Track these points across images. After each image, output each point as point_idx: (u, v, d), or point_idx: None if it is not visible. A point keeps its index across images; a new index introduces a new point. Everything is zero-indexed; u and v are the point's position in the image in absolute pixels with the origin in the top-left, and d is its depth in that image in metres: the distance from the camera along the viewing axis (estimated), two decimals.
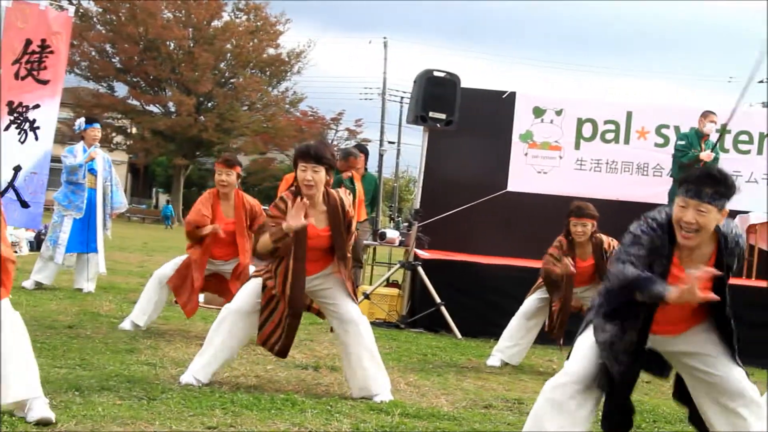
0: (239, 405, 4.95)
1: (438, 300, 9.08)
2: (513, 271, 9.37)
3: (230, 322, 5.51)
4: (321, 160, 5.30)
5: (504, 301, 8.43)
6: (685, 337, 4.06)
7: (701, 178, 3.76)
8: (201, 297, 7.80)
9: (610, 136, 11.78)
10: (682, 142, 10.55)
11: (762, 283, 9.86)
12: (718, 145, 10.71)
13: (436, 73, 9.53)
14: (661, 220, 3.85)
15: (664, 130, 11.71)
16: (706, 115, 10.66)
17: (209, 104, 46.28)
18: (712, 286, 3.79)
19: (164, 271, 7.43)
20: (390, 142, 45.77)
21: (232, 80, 46.96)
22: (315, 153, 5.32)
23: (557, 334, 7.34)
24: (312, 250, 5.40)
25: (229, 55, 46.35)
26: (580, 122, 11.88)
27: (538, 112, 11.88)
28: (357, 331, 5.48)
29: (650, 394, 6.52)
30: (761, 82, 53.02)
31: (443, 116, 9.48)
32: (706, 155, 10.48)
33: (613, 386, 3.94)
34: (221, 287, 7.44)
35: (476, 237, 11.22)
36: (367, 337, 5.50)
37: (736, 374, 3.98)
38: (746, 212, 11.24)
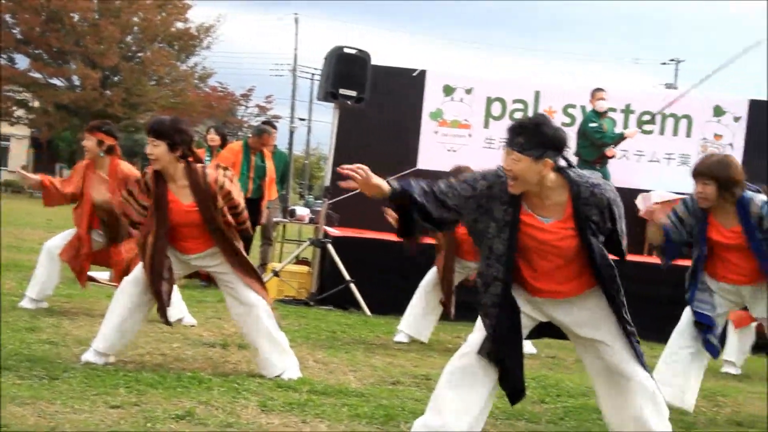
0: (144, 383, 4.88)
1: (348, 277, 9.08)
2: (422, 248, 9.40)
3: (127, 293, 5.43)
4: (160, 134, 5.24)
5: (414, 278, 8.45)
6: (572, 307, 4.07)
7: (515, 128, 3.83)
8: (106, 275, 7.65)
9: (518, 115, 11.88)
10: (595, 124, 10.73)
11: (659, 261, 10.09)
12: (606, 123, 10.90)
13: (346, 50, 9.49)
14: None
15: (570, 110, 11.87)
16: (595, 93, 10.83)
17: (115, 78, 45.27)
18: (579, 243, 3.87)
19: (54, 243, 7.29)
20: (301, 119, 45.62)
21: (139, 54, 45.98)
22: (153, 127, 5.30)
23: (446, 304, 7.41)
24: (184, 227, 5.35)
25: (136, 28, 45.37)
26: (490, 101, 11.97)
27: (449, 91, 11.92)
28: (253, 314, 5.43)
29: (554, 369, 6.64)
30: (664, 63, 54.42)
31: (354, 93, 9.46)
32: (630, 132, 10.68)
33: (493, 349, 3.97)
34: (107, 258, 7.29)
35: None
36: (264, 319, 5.43)
37: (629, 367, 4.02)
38: (648, 191, 11.51)
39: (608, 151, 10.47)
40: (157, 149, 5.24)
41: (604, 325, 4.03)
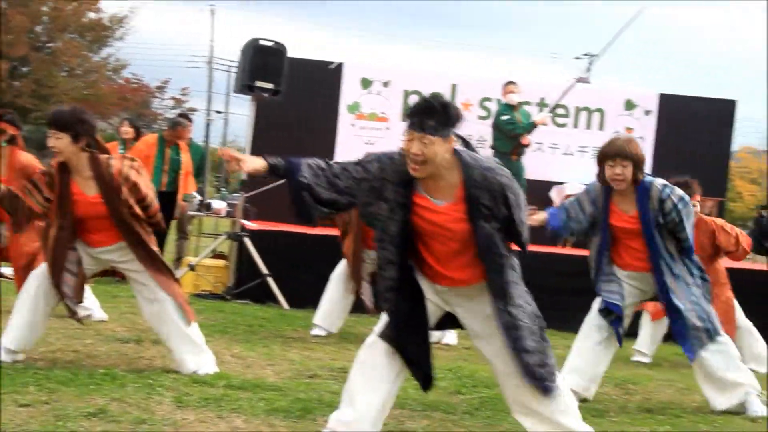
0: (55, 381, 4.78)
1: (265, 271, 9.02)
2: (336, 239, 9.40)
3: (34, 287, 5.32)
4: (61, 126, 5.14)
5: (331, 271, 8.44)
6: (471, 299, 4.07)
7: (423, 110, 3.80)
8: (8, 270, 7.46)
9: None
10: (507, 116, 10.83)
11: (571, 251, 10.27)
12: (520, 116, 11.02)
13: (262, 42, 9.42)
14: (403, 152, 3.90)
15: (487, 103, 12.00)
16: (506, 86, 10.96)
17: (24, 69, 44.19)
18: (470, 227, 3.86)
19: None
20: (218, 112, 45.10)
21: (49, 45, 44.96)
22: (54, 118, 5.21)
23: (358, 295, 7.43)
24: (91, 219, 5.25)
25: (45, 18, 44.34)
26: (407, 94, 12.03)
27: (366, 84, 11.95)
28: (163, 311, 5.36)
29: (470, 360, 6.70)
30: (578, 58, 55.27)
31: (270, 86, 9.39)
32: (541, 118, 10.79)
33: (394, 335, 3.99)
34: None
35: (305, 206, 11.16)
36: (175, 317, 5.36)
37: (515, 380, 4.03)
38: (562, 183, 11.70)
39: (523, 139, 10.57)
40: (59, 141, 5.12)
41: (493, 325, 4.02)
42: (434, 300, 4.10)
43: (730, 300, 7.49)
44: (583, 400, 5.55)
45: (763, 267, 12.81)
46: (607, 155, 5.48)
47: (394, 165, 3.89)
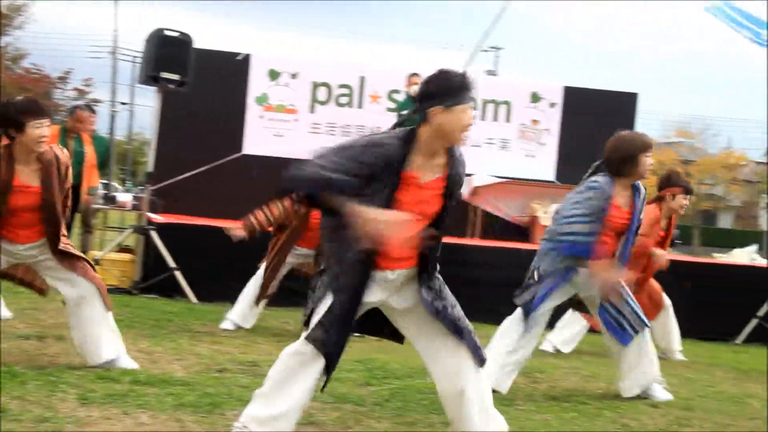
0: None
1: (172, 264, 8.91)
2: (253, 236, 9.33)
3: None
4: (47, 114, 5.03)
5: (240, 264, 8.37)
6: (407, 280, 4.03)
7: (471, 82, 3.87)
8: None
9: (344, 100, 11.97)
10: (406, 110, 10.87)
11: (485, 242, 10.39)
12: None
13: (167, 33, 9.28)
14: (397, 133, 3.86)
15: (395, 95, 12.03)
16: (410, 78, 11.01)
17: None
18: (443, 204, 3.89)
19: None
20: (122, 103, 44.22)
21: None
22: (38, 108, 5.07)
23: (266, 285, 7.36)
24: (25, 212, 5.11)
25: None
26: (315, 86, 12.00)
27: (274, 75, 11.87)
28: (89, 301, 5.26)
29: (380, 351, 6.71)
30: (485, 51, 55.83)
31: (176, 77, 9.26)
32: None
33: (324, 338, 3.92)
34: None
35: (212, 200, 11.06)
36: (95, 300, 5.26)
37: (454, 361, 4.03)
38: (470, 175, 11.81)
39: None
40: (47, 129, 5.03)
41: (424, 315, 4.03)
42: (372, 300, 4.02)
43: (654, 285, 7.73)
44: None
45: (690, 259, 13.13)
46: (642, 148, 5.65)
47: (397, 146, 3.82)
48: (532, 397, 5.71)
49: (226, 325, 7.43)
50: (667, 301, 7.98)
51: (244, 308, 7.49)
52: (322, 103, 11.98)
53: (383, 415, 4.89)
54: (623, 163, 5.57)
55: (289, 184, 3.74)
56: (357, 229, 3.58)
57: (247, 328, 7.45)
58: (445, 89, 3.80)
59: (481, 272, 9.02)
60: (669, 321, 8.01)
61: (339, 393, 5.21)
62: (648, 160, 5.59)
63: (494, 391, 5.65)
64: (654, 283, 7.72)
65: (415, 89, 10.79)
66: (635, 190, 5.70)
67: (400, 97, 11.89)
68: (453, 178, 3.91)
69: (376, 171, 3.74)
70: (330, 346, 3.88)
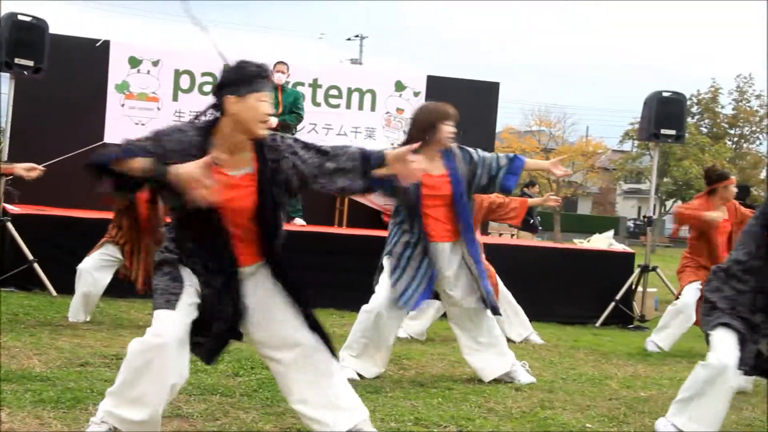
0: None
1: (30, 257, 8.61)
2: (106, 223, 9.10)
3: None
4: None
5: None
6: (253, 281, 3.99)
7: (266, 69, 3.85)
8: None
9: (207, 88, 11.77)
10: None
11: (353, 230, 10.42)
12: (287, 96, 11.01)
13: (21, 17, 8.94)
14: (200, 123, 3.84)
15: None
16: (275, 65, 10.94)
17: None
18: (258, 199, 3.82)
19: None
20: None
21: None
22: None
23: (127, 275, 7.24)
24: None
25: None
26: (178, 73, 11.78)
27: (134, 62, 11.58)
28: None
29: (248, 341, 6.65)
30: (349, 39, 56.00)
31: (31, 63, 8.95)
32: (271, 123, 10.69)
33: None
34: None
35: (73, 190, 10.72)
36: None
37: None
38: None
39: (269, 123, 10.59)
40: None
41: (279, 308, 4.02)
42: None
43: (494, 273, 7.83)
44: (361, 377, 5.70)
45: (525, 243, 13.47)
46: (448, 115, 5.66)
47: (196, 135, 3.77)
48: (399, 383, 5.76)
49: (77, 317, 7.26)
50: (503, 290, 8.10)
51: (78, 301, 7.31)
52: (186, 91, 11.77)
53: (252, 405, 4.85)
54: (424, 131, 5.63)
55: (92, 165, 3.65)
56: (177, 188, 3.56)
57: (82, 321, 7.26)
58: (239, 78, 3.78)
59: (349, 260, 9.04)
60: (512, 308, 8.15)
61: (206, 384, 5.14)
62: (447, 128, 5.65)
63: (375, 378, 5.75)
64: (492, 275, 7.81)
65: (279, 77, 10.73)
66: (445, 155, 5.73)
67: None
68: (264, 172, 3.84)
69: (178, 158, 3.66)
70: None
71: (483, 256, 6.30)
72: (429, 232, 5.72)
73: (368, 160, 3.87)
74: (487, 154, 5.81)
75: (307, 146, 3.96)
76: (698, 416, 4.52)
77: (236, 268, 3.89)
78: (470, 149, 5.79)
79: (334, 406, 4.03)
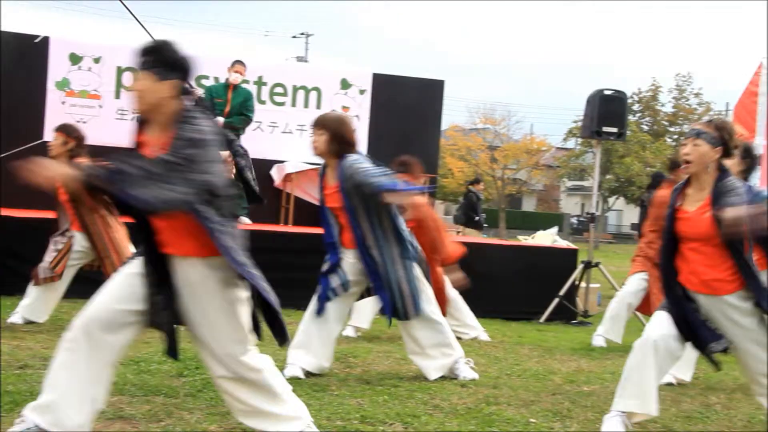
0: None
1: None
2: (44, 223, 8.95)
3: None
4: None
5: (37, 256, 8.02)
6: (191, 275, 3.87)
7: (141, 50, 3.77)
8: None
9: None
10: (221, 100, 10.71)
11: (298, 229, 10.38)
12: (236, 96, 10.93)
13: None
14: None
15: (203, 81, 11.82)
16: (233, 65, 10.89)
17: None
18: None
19: None
20: None
21: None
22: None
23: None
24: None
25: None
26: (120, 71, 11.65)
27: (75, 59, 11.43)
28: None
29: (193, 341, 6.59)
30: (295, 37, 55.84)
31: None
32: (218, 122, 10.58)
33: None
34: None
35: (10, 189, 10.53)
36: None
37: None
38: (283, 162, 11.79)
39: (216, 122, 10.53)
40: None
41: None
42: None
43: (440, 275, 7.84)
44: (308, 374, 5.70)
45: (471, 240, 13.52)
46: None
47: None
48: (345, 381, 5.75)
49: (14, 318, 7.13)
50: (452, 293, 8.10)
51: (28, 301, 7.19)
52: (129, 88, 11.63)
53: (196, 406, 4.80)
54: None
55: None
56: None
57: (40, 322, 7.15)
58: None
59: (295, 258, 9.01)
60: (460, 309, 8.18)
61: (150, 385, 5.09)
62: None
63: (313, 375, 5.73)
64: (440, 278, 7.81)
65: (235, 77, 10.66)
66: (339, 167, 5.66)
67: (209, 83, 11.68)
68: None
69: None
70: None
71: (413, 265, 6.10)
72: (340, 239, 5.88)
73: None
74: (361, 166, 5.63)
75: None
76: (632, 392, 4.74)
77: (162, 255, 3.81)
78: (353, 158, 5.66)
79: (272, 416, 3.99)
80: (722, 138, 4.64)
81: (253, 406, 3.97)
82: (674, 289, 4.80)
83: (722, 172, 4.68)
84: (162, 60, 3.71)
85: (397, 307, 5.79)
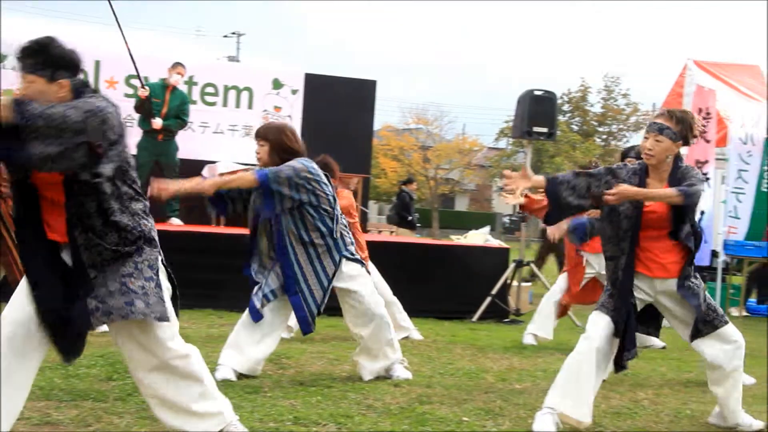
0: None
1: None
2: None
3: None
4: None
5: None
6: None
7: (22, 51, 3.59)
8: None
9: None
10: (158, 100, 10.59)
11: (230, 229, 10.31)
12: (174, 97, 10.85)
13: None
14: None
15: (133, 81, 11.67)
16: (174, 66, 10.80)
17: None
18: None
19: None
20: None
21: None
22: None
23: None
24: None
25: None
26: None
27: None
28: None
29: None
30: (226, 36, 55.44)
31: None
32: (156, 123, 10.50)
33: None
34: None
35: None
36: None
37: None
38: (214, 162, 11.69)
39: (153, 123, 10.43)
40: None
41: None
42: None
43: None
44: (240, 377, 5.68)
45: (404, 240, 13.56)
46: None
47: None
48: (279, 383, 5.72)
49: None
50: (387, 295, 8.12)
51: None
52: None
53: (126, 410, 4.74)
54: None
55: None
56: None
57: None
58: None
59: (227, 259, 8.92)
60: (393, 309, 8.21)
61: (78, 389, 5.02)
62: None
63: (246, 376, 5.69)
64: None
65: (177, 78, 10.56)
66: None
67: (137, 83, 11.51)
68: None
69: None
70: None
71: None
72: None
73: None
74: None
75: None
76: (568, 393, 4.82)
77: (47, 239, 3.67)
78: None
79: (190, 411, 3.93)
80: (683, 132, 4.86)
81: (177, 403, 3.90)
82: (631, 282, 4.91)
83: (678, 159, 4.94)
84: (49, 59, 3.57)
85: (307, 315, 5.78)
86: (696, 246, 4.99)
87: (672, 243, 4.94)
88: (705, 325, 4.95)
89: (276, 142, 5.67)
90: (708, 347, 5.00)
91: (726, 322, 5.00)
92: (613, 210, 4.94)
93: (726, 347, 4.99)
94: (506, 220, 51.24)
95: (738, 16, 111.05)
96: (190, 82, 12.05)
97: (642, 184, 4.90)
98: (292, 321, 7.80)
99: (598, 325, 4.89)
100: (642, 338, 6.94)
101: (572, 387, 4.80)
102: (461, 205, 60.36)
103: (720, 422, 5.27)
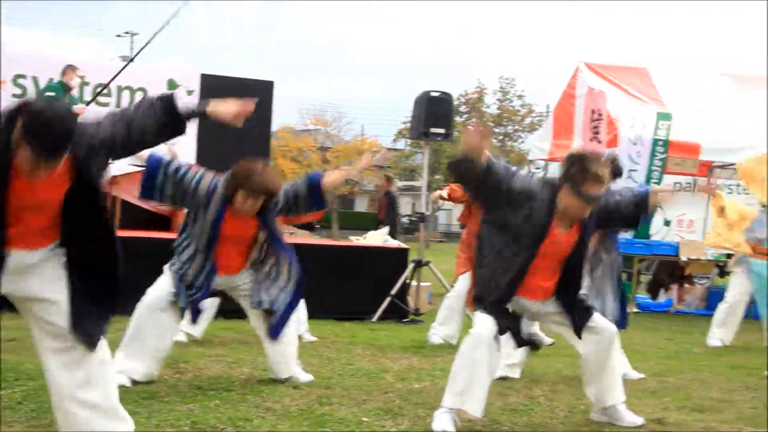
0: None
1: None
2: None
3: None
4: None
5: None
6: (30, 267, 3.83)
7: None
8: None
9: None
10: (53, 94, 10.37)
11: (124, 232, 10.10)
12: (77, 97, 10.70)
13: None
14: None
15: (21, 80, 11.35)
16: (73, 69, 10.58)
17: None
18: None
19: None
20: None
21: None
22: None
23: None
24: None
25: None
26: None
27: None
28: None
29: (13, 352, 6.32)
30: (120, 35, 54.40)
31: None
32: (78, 108, 10.36)
33: None
34: None
35: None
36: None
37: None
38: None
39: None
40: None
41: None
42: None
43: None
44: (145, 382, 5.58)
45: (302, 241, 13.50)
46: None
47: None
48: (176, 388, 5.63)
49: None
50: None
51: None
52: None
53: (16, 419, 4.60)
54: None
55: None
56: None
57: None
58: None
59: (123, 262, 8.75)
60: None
61: None
62: None
63: (150, 383, 5.60)
64: None
65: (76, 81, 10.35)
66: None
67: (27, 82, 11.23)
68: None
69: None
70: None
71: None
72: None
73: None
74: None
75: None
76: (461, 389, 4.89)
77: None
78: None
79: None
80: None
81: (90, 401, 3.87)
82: (506, 303, 5.02)
83: None
84: None
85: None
86: None
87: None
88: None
89: None
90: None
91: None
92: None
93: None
94: (405, 220, 51.57)
95: (629, 18, 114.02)
96: (82, 83, 11.78)
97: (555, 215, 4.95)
98: (192, 329, 7.71)
99: (482, 319, 4.97)
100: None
101: (464, 383, 4.87)
102: (361, 206, 60.53)
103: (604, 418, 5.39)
